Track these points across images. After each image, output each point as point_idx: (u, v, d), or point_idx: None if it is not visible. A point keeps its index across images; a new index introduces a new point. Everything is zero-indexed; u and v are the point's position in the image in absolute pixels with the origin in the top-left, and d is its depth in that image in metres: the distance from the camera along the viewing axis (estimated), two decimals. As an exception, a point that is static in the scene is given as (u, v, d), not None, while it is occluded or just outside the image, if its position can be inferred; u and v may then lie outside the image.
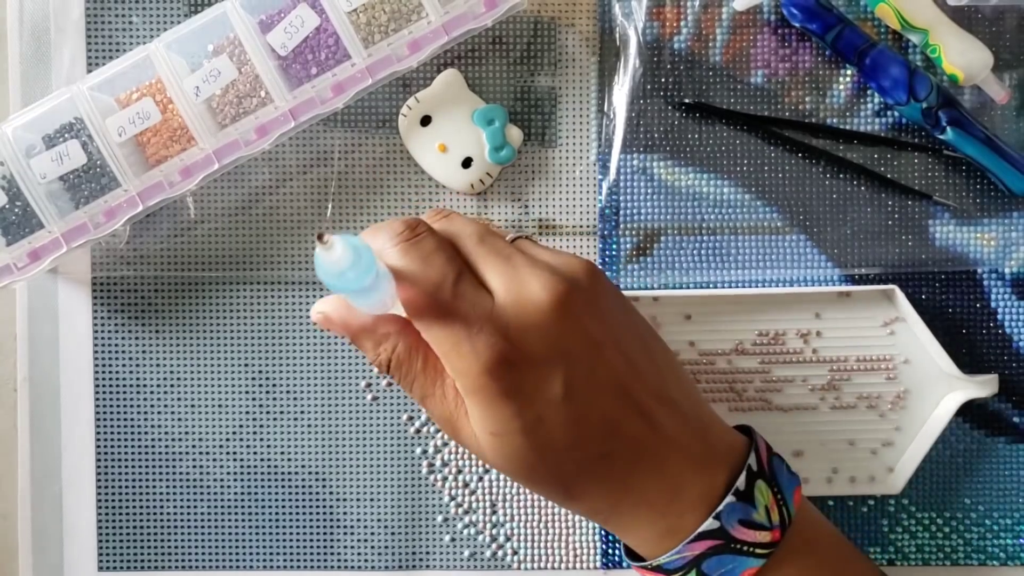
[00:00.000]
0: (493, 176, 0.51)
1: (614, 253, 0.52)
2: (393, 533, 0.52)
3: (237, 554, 0.53)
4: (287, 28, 0.47)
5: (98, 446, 0.52)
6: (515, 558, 0.52)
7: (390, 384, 0.52)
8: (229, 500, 0.53)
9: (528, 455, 0.37)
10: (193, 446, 0.53)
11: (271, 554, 0.53)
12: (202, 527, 0.53)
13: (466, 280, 0.37)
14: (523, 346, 0.36)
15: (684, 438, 0.39)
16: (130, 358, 0.52)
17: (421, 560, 0.52)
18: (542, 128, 0.52)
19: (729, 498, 0.38)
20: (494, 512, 0.52)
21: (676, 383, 0.40)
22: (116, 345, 0.52)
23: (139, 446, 0.52)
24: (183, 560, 0.53)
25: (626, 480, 0.38)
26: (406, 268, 0.36)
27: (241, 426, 0.52)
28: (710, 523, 0.38)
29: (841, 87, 0.52)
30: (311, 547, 0.53)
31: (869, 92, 0.52)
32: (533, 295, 0.36)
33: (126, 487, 0.53)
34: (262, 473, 0.53)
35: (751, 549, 0.38)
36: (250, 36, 0.47)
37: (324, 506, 0.53)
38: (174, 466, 0.53)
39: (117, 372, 0.52)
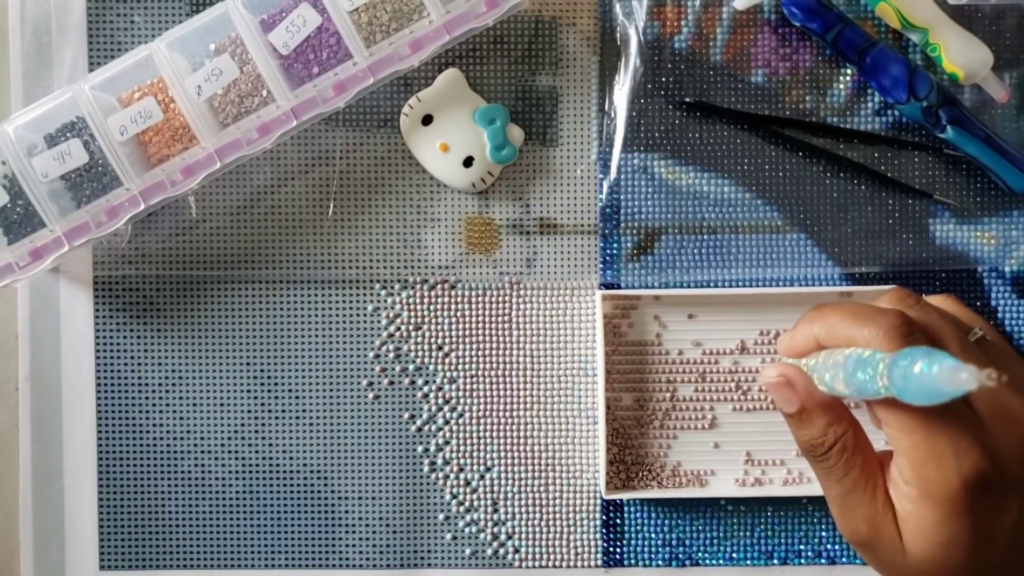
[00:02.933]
0: (494, 175, 0.51)
1: (615, 252, 0.52)
2: (395, 531, 0.53)
3: (239, 553, 0.53)
4: (289, 27, 0.47)
5: (99, 445, 0.52)
6: (516, 556, 0.52)
7: (391, 383, 0.52)
8: (231, 499, 0.53)
9: (963, 569, 0.37)
10: (195, 445, 0.53)
11: (273, 553, 0.53)
12: (204, 526, 0.53)
13: None
14: (1001, 469, 0.36)
15: None
16: (132, 357, 0.52)
17: (423, 558, 0.52)
18: (543, 127, 0.52)
19: None
20: (496, 510, 0.52)
21: None
22: (118, 344, 0.52)
23: (141, 445, 0.53)
24: (185, 559, 0.53)
25: None
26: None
27: (243, 425, 0.52)
28: None
29: (841, 86, 0.52)
30: (313, 545, 0.53)
31: (869, 91, 0.52)
32: (1021, 420, 0.36)
33: (128, 486, 0.53)
34: (264, 472, 0.53)
35: None
36: (252, 35, 0.47)
37: (326, 504, 0.53)
38: (176, 465, 0.53)
39: (119, 371, 0.52)
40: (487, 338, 0.52)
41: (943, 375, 0.30)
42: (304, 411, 0.52)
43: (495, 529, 0.52)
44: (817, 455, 0.39)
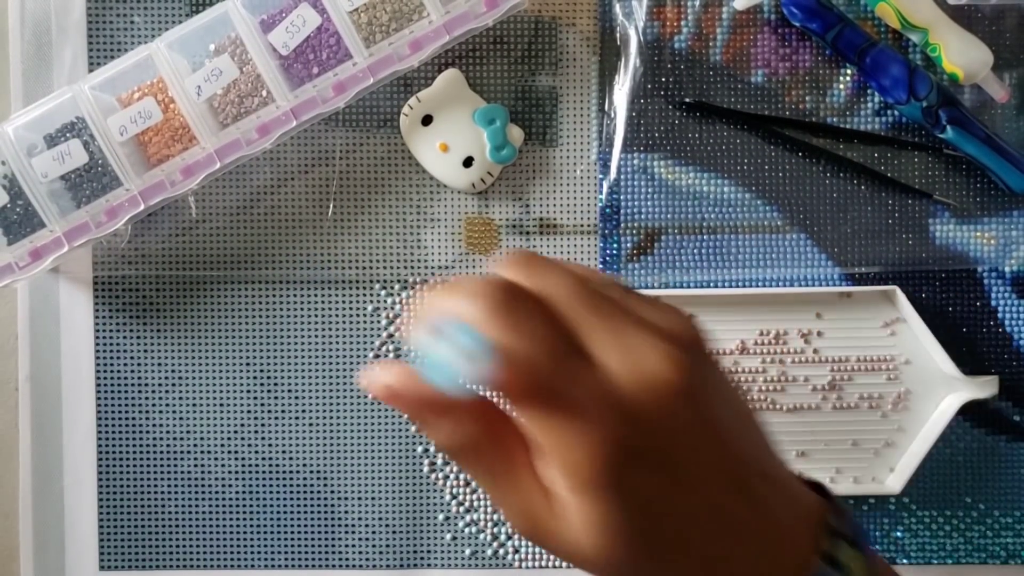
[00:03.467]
0: (494, 175, 0.51)
1: (615, 252, 0.52)
2: (394, 532, 0.52)
3: (238, 553, 0.53)
4: (288, 28, 0.47)
5: (99, 445, 0.52)
6: (516, 556, 0.52)
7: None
8: (231, 499, 0.53)
9: (638, 554, 0.32)
10: (195, 445, 0.53)
11: (273, 553, 0.53)
12: (204, 526, 0.53)
13: (575, 356, 0.31)
14: (645, 433, 0.31)
15: (781, 511, 0.35)
16: (131, 357, 0.52)
17: (422, 559, 0.52)
18: (543, 127, 0.52)
19: (822, 565, 0.34)
20: (495, 511, 0.52)
21: (770, 450, 0.36)
22: (117, 344, 0.52)
23: (140, 445, 0.52)
24: (184, 559, 0.53)
25: (729, 564, 0.34)
26: (506, 344, 0.30)
27: (242, 425, 0.52)
28: None
29: (841, 86, 0.52)
30: (313, 546, 0.53)
31: (869, 91, 0.52)
32: (654, 372, 0.31)
33: (127, 486, 0.53)
34: (264, 472, 0.53)
35: None
36: (251, 36, 0.47)
37: (326, 505, 0.53)
38: (175, 465, 0.53)
39: (118, 371, 0.52)
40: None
41: (447, 357, 0.27)
42: (304, 411, 0.52)
43: (495, 529, 0.52)
44: (453, 457, 0.34)
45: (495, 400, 0.34)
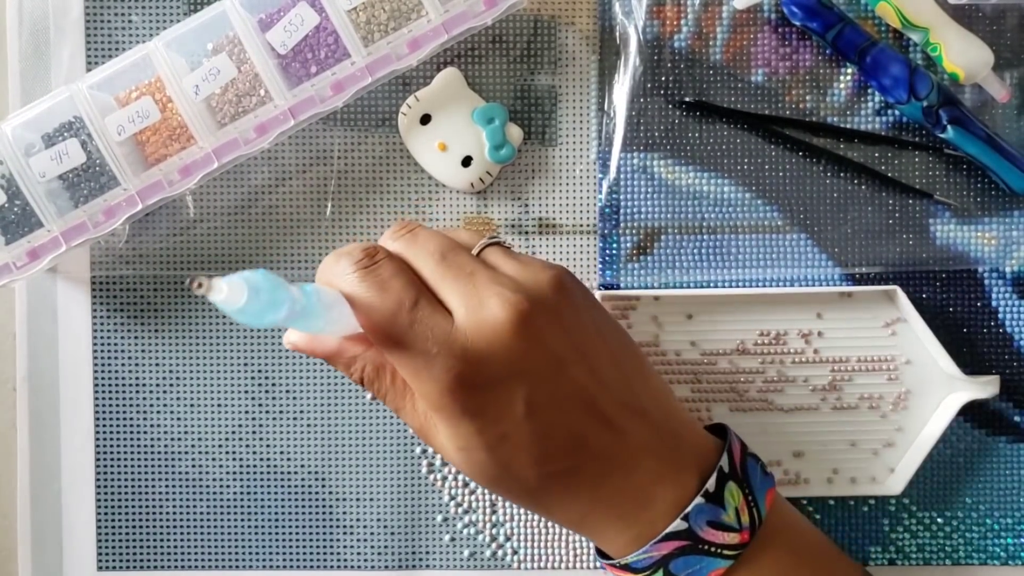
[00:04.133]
0: (493, 175, 0.51)
1: (614, 252, 0.52)
2: (393, 533, 0.52)
3: (236, 554, 0.53)
4: (287, 26, 0.47)
5: (97, 445, 0.52)
6: (515, 558, 0.52)
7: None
8: (228, 500, 0.52)
9: (492, 470, 0.38)
10: (192, 445, 0.52)
11: (270, 554, 0.52)
12: (201, 527, 0.53)
13: (423, 304, 0.37)
14: (482, 367, 0.36)
15: (654, 445, 0.39)
16: (129, 357, 0.52)
17: (421, 560, 0.52)
18: (542, 127, 0.52)
19: (698, 500, 0.38)
20: (494, 512, 0.52)
21: (645, 390, 0.40)
22: (115, 344, 0.52)
23: (138, 445, 0.52)
24: (182, 560, 0.52)
25: (595, 492, 0.39)
26: (362, 296, 0.37)
27: (240, 425, 0.52)
28: (678, 524, 0.38)
29: (842, 86, 0.52)
30: (310, 547, 0.52)
31: (870, 91, 0.52)
32: (491, 315, 0.36)
33: (125, 487, 0.52)
34: (261, 472, 0.52)
35: (719, 550, 0.38)
36: (249, 34, 0.47)
37: (323, 506, 0.52)
38: (173, 465, 0.52)
39: (116, 371, 0.52)
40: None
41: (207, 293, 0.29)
42: (302, 412, 0.52)
43: (494, 531, 0.52)
44: (363, 387, 0.40)
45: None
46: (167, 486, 0.52)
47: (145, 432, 0.52)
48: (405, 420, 0.40)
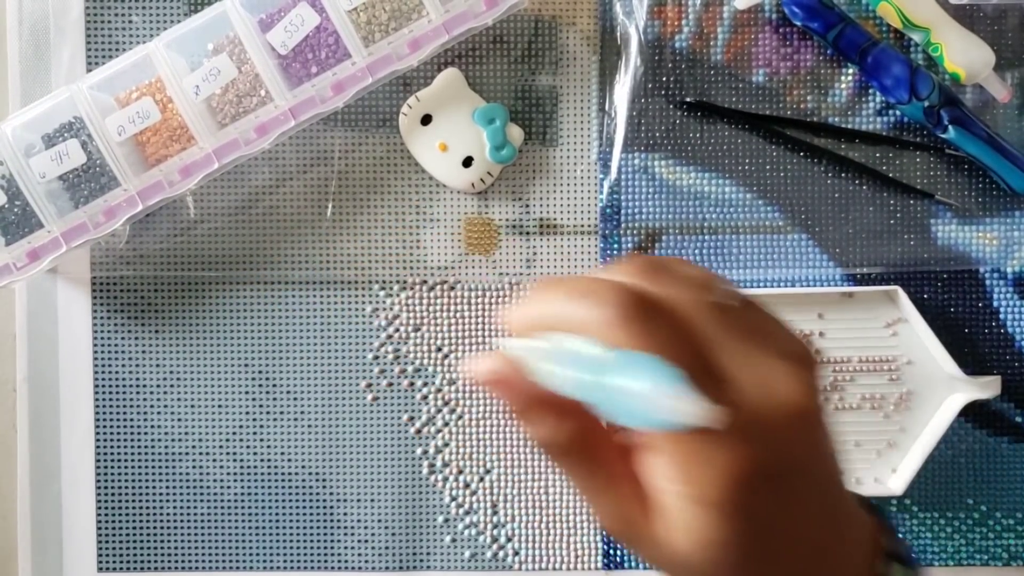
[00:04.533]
0: (494, 175, 0.51)
1: (615, 252, 0.52)
2: (394, 534, 0.52)
3: (237, 555, 0.52)
4: (287, 27, 0.47)
5: (97, 446, 0.52)
6: (516, 559, 0.52)
7: (390, 384, 0.52)
8: (229, 500, 0.52)
9: (736, 568, 0.32)
10: (193, 446, 0.52)
11: (271, 555, 0.52)
12: (202, 528, 0.52)
13: (708, 373, 0.30)
14: (774, 454, 0.31)
15: (848, 533, 0.35)
16: (129, 358, 0.52)
17: (422, 561, 0.52)
18: (543, 127, 0.52)
19: None
20: (495, 513, 0.52)
21: (841, 472, 0.36)
22: (115, 345, 0.52)
23: (139, 446, 0.52)
24: (182, 561, 0.52)
25: None
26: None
27: (241, 426, 0.52)
28: None
29: (843, 86, 0.52)
30: (311, 548, 0.52)
31: (871, 91, 0.52)
32: (787, 394, 0.31)
33: (126, 487, 0.52)
34: (262, 473, 0.52)
35: None
36: (250, 35, 0.46)
37: (324, 507, 0.52)
38: (174, 466, 0.52)
39: (117, 372, 0.52)
40: (487, 339, 0.52)
41: (657, 400, 0.25)
42: (302, 413, 0.52)
43: (495, 531, 0.52)
44: (551, 454, 0.34)
45: None
46: (167, 487, 0.52)
47: (145, 433, 0.52)
48: (598, 499, 0.33)
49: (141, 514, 0.52)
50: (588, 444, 0.33)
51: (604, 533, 0.52)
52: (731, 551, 0.32)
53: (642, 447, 0.33)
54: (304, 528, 0.52)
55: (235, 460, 0.52)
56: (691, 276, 0.32)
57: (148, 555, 0.52)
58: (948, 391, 0.51)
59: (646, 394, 0.25)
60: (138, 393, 0.52)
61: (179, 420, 0.52)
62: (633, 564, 0.52)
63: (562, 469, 0.34)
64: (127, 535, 0.52)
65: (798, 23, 0.50)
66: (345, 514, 0.52)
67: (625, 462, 0.33)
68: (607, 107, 0.52)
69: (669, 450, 0.31)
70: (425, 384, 0.52)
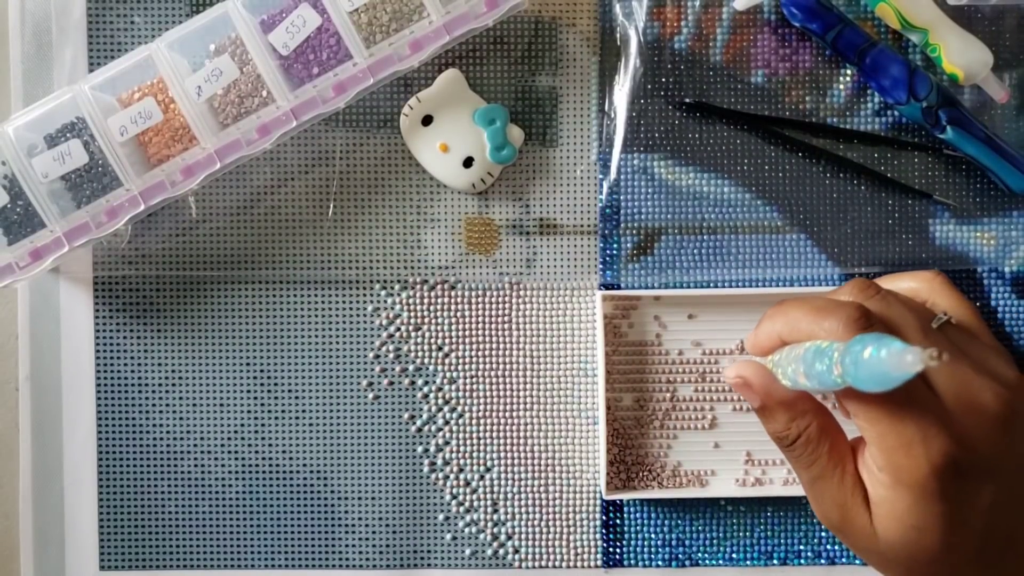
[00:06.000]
0: (494, 176, 0.51)
1: (615, 252, 0.52)
2: (394, 532, 0.53)
3: (239, 553, 0.53)
4: (289, 28, 0.47)
5: (100, 445, 0.52)
6: (516, 557, 0.52)
7: (391, 383, 0.52)
8: (231, 499, 0.53)
9: (937, 554, 0.38)
10: (195, 445, 0.53)
11: (273, 553, 0.53)
12: (204, 526, 0.53)
13: (920, 378, 0.37)
14: (971, 455, 0.37)
15: None
16: (132, 357, 0.52)
17: (422, 559, 0.52)
18: (543, 128, 0.52)
19: None
20: (495, 511, 0.52)
21: None
22: (118, 344, 0.52)
23: (141, 445, 0.53)
24: (185, 559, 0.53)
25: None
26: None
27: (243, 425, 0.53)
28: None
29: (841, 86, 0.52)
30: (313, 546, 0.53)
31: (869, 91, 0.52)
32: (985, 405, 0.38)
33: (128, 486, 0.53)
34: (264, 472, 0.53)
35: None
36: (252, 36, 0.47)
37: (326, 505, 0.53)
38: (176, 465, 0.53)
39: (119, 371, 0.52)
40: (487, 338, 0.52)
41: (890, 358, 0.31)
42: (304, 411, 0.53)
43: (495, 529, 0.52)
44: (783, 446, 0.40)
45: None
46: (169, 485, 0.53)
47: (147, 432, 0.53)
48: (820, 491, 0.40)
49: (143, 512, 0.53)
50: (820, 439, 0.39)
51: (605, 533, 0.52)
52: (932, 537, 0.37)
53: (861, 445, 0.39)
54: (305, 526, 0.53)
55: (237, 459, 0.53)
56: (904, 302, 0.40)
57: (150, 553, 0.53)
58: (946, 390, 0.51)
59: (879, 356, 0.31)
60: (140, 392, 0.52)
61: (181, 419, 0.53)
62: (632, 563, 0.52)
63: (790, 458, 0.41)
64: (129, 533, 0.53)
65: (797, 24, 0.50)
66: (346, 512, 0.53)
67: (852, 460, 0.39)
68: (607, 108, 0.52)
69: (877, 441, 0.37)
70: (426, 383, 0.52)
